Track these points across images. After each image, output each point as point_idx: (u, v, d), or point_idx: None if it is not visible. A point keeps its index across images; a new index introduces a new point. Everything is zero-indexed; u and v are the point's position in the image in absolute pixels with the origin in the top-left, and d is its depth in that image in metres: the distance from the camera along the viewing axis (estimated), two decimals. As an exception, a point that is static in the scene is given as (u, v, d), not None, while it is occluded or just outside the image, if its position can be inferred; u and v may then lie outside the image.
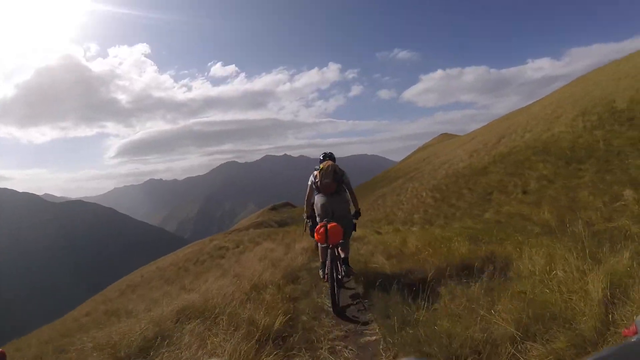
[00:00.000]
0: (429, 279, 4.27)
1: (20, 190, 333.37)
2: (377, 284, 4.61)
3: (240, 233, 29.14)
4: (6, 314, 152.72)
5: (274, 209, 63.29)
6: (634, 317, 1.18)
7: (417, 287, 3.82)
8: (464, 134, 70.52)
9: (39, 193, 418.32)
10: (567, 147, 14.24)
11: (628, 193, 7.23)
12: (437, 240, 6.60)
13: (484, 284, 3.61)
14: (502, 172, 16.59)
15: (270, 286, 5.23)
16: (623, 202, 6.99)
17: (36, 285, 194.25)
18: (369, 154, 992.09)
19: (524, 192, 12.37)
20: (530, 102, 42.88)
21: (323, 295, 5.01)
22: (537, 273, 3.42)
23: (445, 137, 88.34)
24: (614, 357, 0.80)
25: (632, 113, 13.56)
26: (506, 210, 10.80)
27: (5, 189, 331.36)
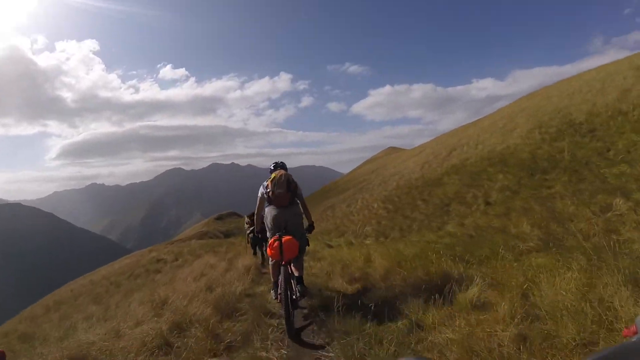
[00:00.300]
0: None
1: None
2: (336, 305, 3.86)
3: (182, 244, 26.82)
4: None
5: (219, 218, 61.46)
6: (634, 317, 1.12)
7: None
8: (411, 148, 69.93)
9: None
10: (527, 158, 13.69)
11: (619, 202, 6.42)
12: (408, 259, 5.35)
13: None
14: (458, 184, 15.86)
15: (197, 325, 4.00)
16: (617, 212, 6.13)
17: None
18: (316, 165, 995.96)
19: (487, 204, 11.51)
20: (476, 118, 43.05)
21: (269, 342, 3.77)
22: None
23: (393, 150, 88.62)
24: (614, 357, 0.81)
25: (592, 125, 13.29)
26: (471, 222, 9.75)
27: None
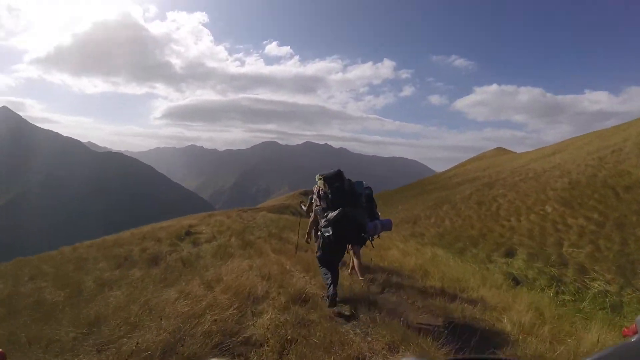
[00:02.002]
0: None
1: (64, 135, 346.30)
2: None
3: (254, 213, 22.89)
4: (25, 239, 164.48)
5: (305, 194, 55.40)
6: (634, 317, 1.12)
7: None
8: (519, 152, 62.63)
9: (83, 140, 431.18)
10: None
11: None
12: None
13: None
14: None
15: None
16: None
17: (59, 220, 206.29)
18: (409, 158, 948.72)
19: None
20: (582, 134, 38.66)
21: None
22: None
23: (501, 151, 77.30)
24: (614, 357, 0.82)
25: None
26: None
27: (49, 131, 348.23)
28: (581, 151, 25.65)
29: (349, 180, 4.79)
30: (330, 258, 4.73)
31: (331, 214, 4.43)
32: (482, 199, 20.03)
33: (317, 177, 4.82)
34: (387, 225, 5.47)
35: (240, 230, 12.75)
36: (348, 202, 4.53)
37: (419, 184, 59.56)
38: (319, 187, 4.75)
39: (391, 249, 9.31)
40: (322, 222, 4.53)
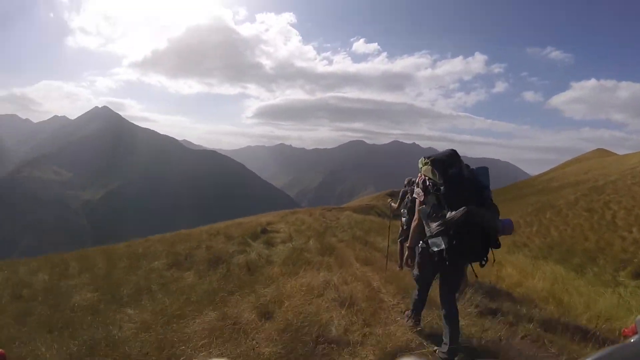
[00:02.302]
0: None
1: (161, 133, 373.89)
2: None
3: (338, 212, 22.62)
4: (121, 229, 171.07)
5: (392, 195, 54.97)
6: (634, 317, 1.12)
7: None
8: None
9: (179, 138, 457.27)
10: None
11: None
12: None
13: None
14: None
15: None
16: None
17: (155, 213, 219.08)
18: (501, 159, 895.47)
19: None
20: None
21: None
22: None
23: (603, 152, 71.57)
24: (614, 357, 0.82)
25: None
26: None
27: (147, 129, 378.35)
28: None
29: (468, 165, 3.33)
30: (432, 278, 3.68)
31: (450, 214, 2.95)
32: (591, 205, 17.66)
33: (421, 161, 3.44)
34: (507, 228, 3.39)
35: (321, 231, 11.71)
36: (470, 198, 3.03)
37: (514, 187, 56.18)
38: (424, 175, 3.30)
39: (504, 265, 7.86)
40: (433, 227, 3.06)
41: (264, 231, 11.34)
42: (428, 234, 3.11)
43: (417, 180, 3.46)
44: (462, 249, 2.92)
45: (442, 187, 3.07)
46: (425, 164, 3.32)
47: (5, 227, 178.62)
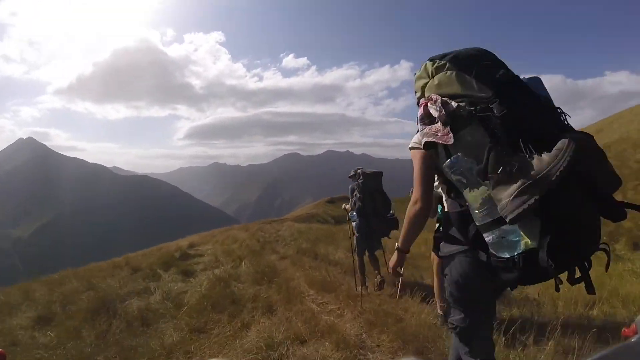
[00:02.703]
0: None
1: (90, 161, 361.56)
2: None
3: (278, 225, 22.44)
4: (58, 261, 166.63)
5: (331, 202, 49.78)
6: (634, 317, 1.08)
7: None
8: None
9: (109, 165, 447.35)
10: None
11: None
12: None
13: None
14: None
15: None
16: None
17: (96, 241, 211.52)
18: None
19: None
20: (605, 117, 35.28)
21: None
22: None
23: None
24: (614, 357, 0.81)
25: None
26: None
27: (75, 159, 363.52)
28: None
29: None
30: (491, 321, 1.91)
31: (540, 161, 1.29)
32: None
33: (422, 69, 1.74)
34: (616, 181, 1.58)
35: (257, 249, 9.47)
36: (548, 126, 1.45)
37: None
38: (435, 97, 1.59)
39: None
40: (502, 197, 1.33)
41: (184, 257, 9.42)
42: (481, 220, 1.47)
43: (418, 113, 1.69)
44: (580, 239, 1.37)
45: (494, 106, 1.43)
46: (437, 69, 1.66)
47: None
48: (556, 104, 1.56)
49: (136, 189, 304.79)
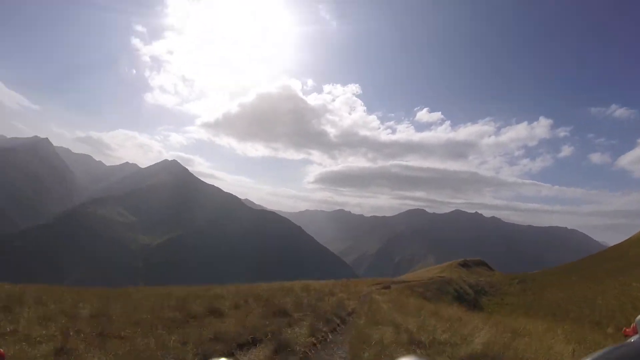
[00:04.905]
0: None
1: (226, 191, 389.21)
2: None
3: (411, 287, 22.45)
4: (180, 271, 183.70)
5: (465, 265, 51.19)
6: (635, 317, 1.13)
7: None
8: None
9: (241, 197, 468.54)
10: None
11: None
12: None
13: None
14: None
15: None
16: None
17: (214, 265, 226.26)
18: (568, 227, 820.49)
19: None
20: None
21: None
22: None
23: None
24: (614, 357, 0.86)
25: None
26: None
27: (212, 185, 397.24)
28: None
29: None
30: None
31: None
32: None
33: None
34: None
35: None
36: None
37: (590, 261, 51.45)
38: None
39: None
40: None
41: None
42: None
43: None
44: None
45: None
46: None
47: (62, 257, 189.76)
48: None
49: (263, 223, 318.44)
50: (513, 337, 6.56)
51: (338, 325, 8.78)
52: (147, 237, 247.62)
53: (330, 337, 7.55)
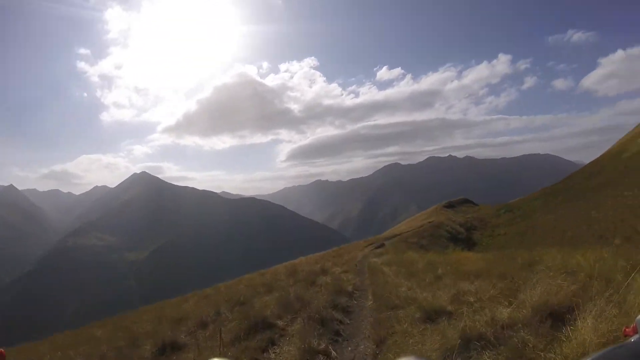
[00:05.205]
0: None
1: (200, 189, 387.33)
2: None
3: (404, 241, 21.82)
4: (176, 277, 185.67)
5: (450, 206, 51.26)
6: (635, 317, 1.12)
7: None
8: None
9: (217, 191, 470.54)
10: None
11: None
12: None
13: None
14: None
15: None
16: None
17: (207, 263, 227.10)
18: (541, 152, 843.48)
19: None
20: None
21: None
22: None
23: None
24: (614, 357, 0.84)
25: None
26: None
27: (186, 187, 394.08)
28: None
29: None
30: None
31: None
32: None
33: None
34: None
35: None
36: None
37: (571, 181, 50.68)
38: None
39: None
40: None
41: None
42: None
43: None
44: None
45: None
46: None
47: (55, 296, 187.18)
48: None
49: (244, 211, 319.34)
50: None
51: (340, 323, 6.63)
52: (132, 254, 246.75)
53: (334, 354, 5.31)
